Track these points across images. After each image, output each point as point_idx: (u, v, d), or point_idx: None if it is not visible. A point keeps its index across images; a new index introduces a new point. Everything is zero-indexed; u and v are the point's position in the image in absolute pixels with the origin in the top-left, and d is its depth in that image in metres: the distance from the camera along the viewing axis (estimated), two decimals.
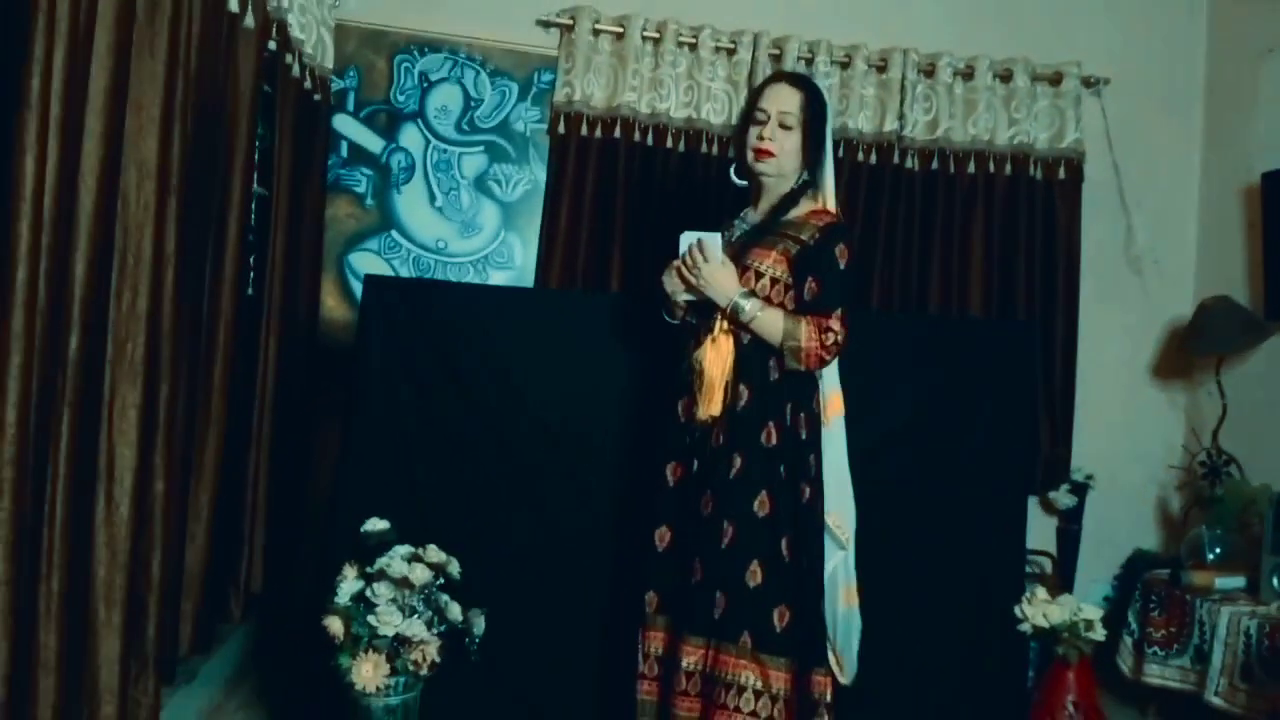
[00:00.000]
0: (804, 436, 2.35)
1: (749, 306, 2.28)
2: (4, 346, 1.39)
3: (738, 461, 2.29)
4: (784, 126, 2.35)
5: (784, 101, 2.36)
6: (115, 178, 1.78)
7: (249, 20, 2.48)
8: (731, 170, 2.51)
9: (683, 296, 2.35)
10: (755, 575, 2.25)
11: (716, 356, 2.30)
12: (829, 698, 2.27)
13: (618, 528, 2.69)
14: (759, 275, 2.32)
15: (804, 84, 2.43)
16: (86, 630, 1.83)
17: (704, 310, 2.35)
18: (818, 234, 2.33)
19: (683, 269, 2.30)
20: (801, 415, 2.34)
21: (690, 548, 2.31)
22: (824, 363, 2.31)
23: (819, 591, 2.38)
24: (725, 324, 2.31)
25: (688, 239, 2.31)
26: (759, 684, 2.23)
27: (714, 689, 2.25)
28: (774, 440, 2.30)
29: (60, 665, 1.71)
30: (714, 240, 2.32)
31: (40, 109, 1.42)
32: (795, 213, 2.39)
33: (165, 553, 2.06)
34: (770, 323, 2.29)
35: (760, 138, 2.36)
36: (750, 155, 2.38)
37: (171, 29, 1.94)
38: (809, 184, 2.42)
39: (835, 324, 2.28)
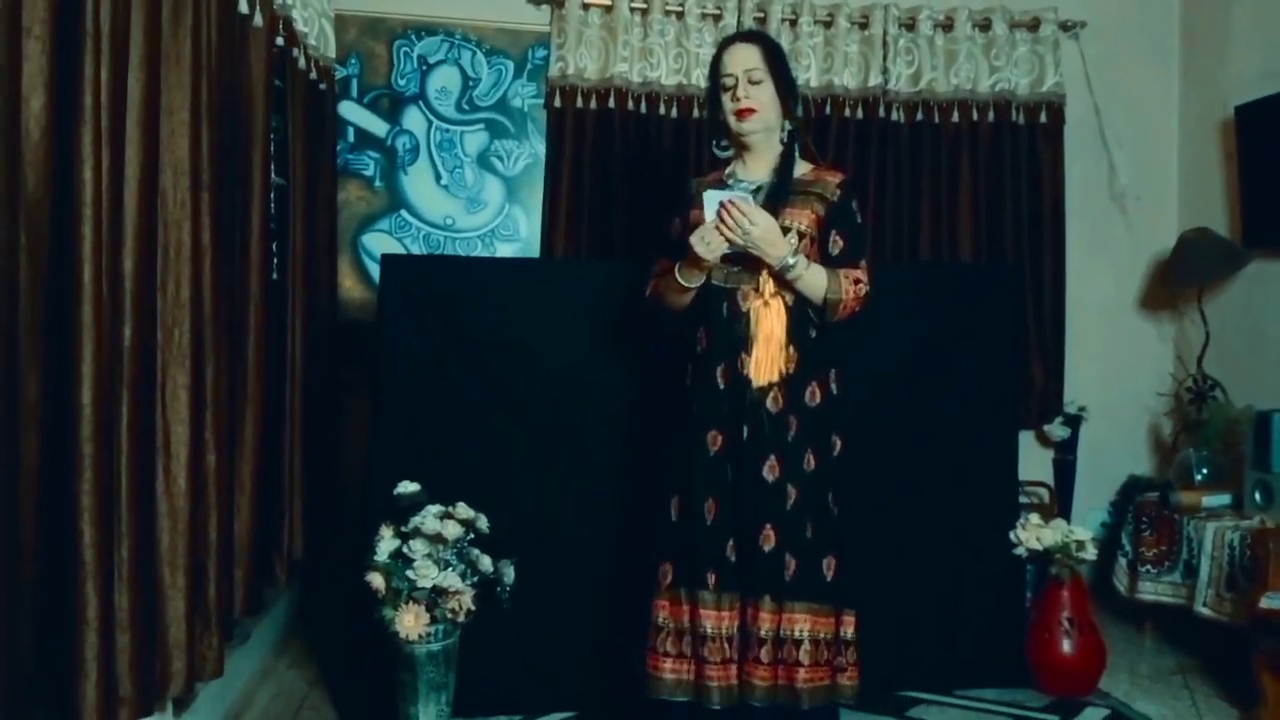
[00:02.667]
0: (835, 392, 2.39)
1: (799, 263, 2.27)
2: (78, 337, 1.56)
3: (794, 424, 2.32)
4: (753, 82, 2.34)
5: (746, 60, 2.37)
6: (155, 178, 1.93)
7: (258, 19, 2.62)
8: (713, 144, 2.51)
9: (719, 254, 2.27)
10: (809, 530, 2.32)
11: (773, 318, 2.30)
12: (854, 635, 2.41)
13: (625, 490, 2.83)
14: (800, 234, 2.32)
15: (758, 38, 2.45)
16: (156, 592, 2.02)
17: (737, 272, 2.33)
18: (838, 190, 2.39)
19: (724, 229, 2.23)
20: (833, 371, 2.40)
21: (748, 516, 2.31)
22: (854, 314, 2.36)
23: (848, 538, 2.43)
24: (774, 284, 2.30)
25: (714, 197, 2.26)
26: (813, 633, 2.32)
27: (780, 649, 2.32)
28: (818, 399, 2.35)
29: (133, 624, 1.89)
30: (748, 198, 2.28)
31: (93, 122, 1.58)
32: (801, 170, 2.43)
33: (220, 520, 2.24)
34: (815, 278, 2.30)
35: (736, 99, 2.35)
36: (733, 120, 2.38)
37: (194, 37, 2.09)
38: (795, 133, 2.44)
39: (863, 275, 2.36)
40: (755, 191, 2.36)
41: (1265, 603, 2.66)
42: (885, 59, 3.90)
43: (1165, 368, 4.09)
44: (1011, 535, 2.96)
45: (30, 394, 1.48)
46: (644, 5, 3.76)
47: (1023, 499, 3.60)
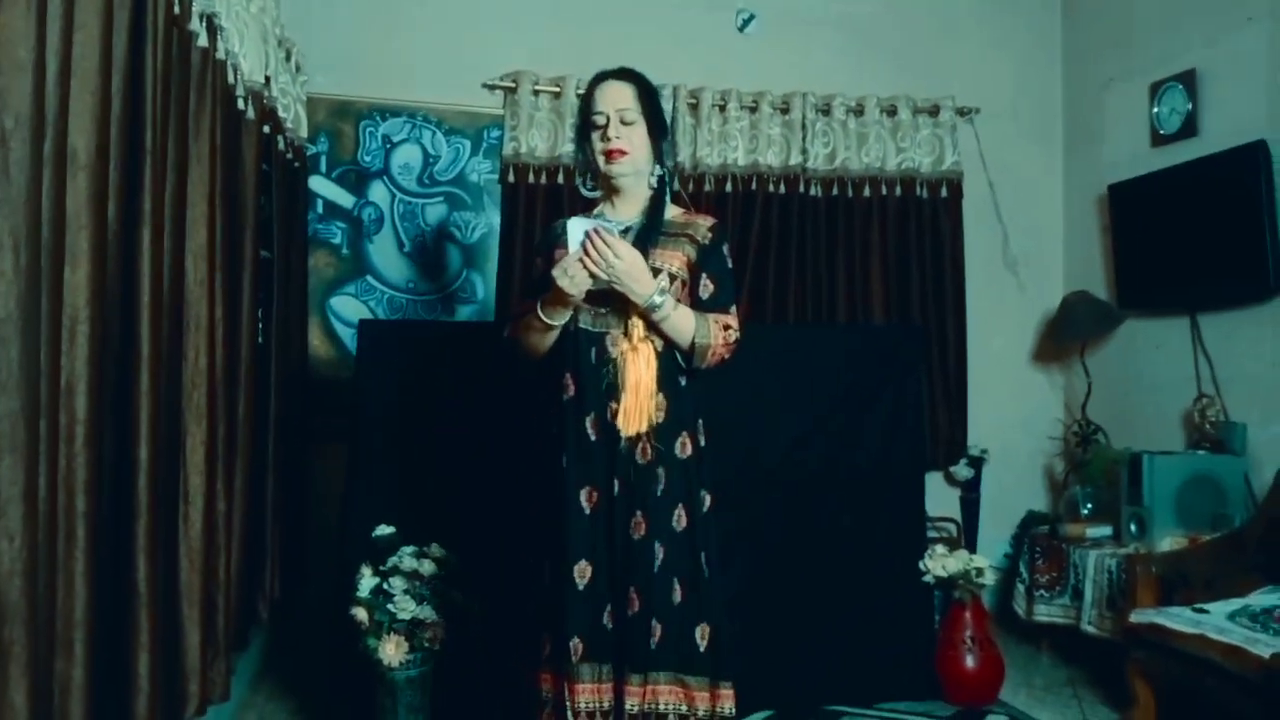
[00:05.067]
0: (703, 444, 2.28)
1: (665, 303, 2.15)
2: (137, 401, 1.87)
3: (662, 477, 2.19)
4: (625, 123, 2.24)
5: (618, 98, 2.26)
6: (182, 263, 2.25)
7: (250, 113, 2.95)
8: (578, 183, 2.41)
9: (584, 288, 2.13)
10: (678, 594, 2.18)
11: (642, 364, 2.17)
12: (731, 710, 2.22)
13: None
14: (671, 276, 2.22)
15: (632, 76, 2.31)
16: (176, 623, 2.30)
17: (605, 314, 2.22)
18: (709, 234, 2.31)
19: (588, 261, 2.09)
20: (700, 421, 2.29)
21: (620, 578, 2.17)
22: (723, 361, 2.25)
23: (724, 603, 2.28)
24: (643, 327, 2.18)
25: (579, 226, 2.13)
26: (684, 709, 2.18)
27: None
28: (688, 451, 2.23)
29: (165, 649, 2.17)
30: (614, 230, 2.15)
31: (152, 224, 1.91)
32: (672, 214, 2.34)
33: (229, 560, 2.53)
34: (682, 321, 2.18)
35: (606, 138, 2.24)
36: (602, 160, 2.26)
37: (210, 138, 2.42)
38: (665, 177, 2.33)
39: (733, 321, 2.26)
40: (624, 232, 2.23)
41: (1134, 618, 3.07)
42: (805, 140, 4.35)
43: (1056, 414, 4.58)
44: (920, 564, 3.36)
45: (109, 453, 1.78)
46: None
47: (933, 533, 4.03)
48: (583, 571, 2.16)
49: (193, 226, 2.34)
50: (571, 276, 2.11)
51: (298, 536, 3.61)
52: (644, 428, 2.17)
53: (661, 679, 2.17)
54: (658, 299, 2.14)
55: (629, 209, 2.33)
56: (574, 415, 2.22)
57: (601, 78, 2.32)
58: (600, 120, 2.26)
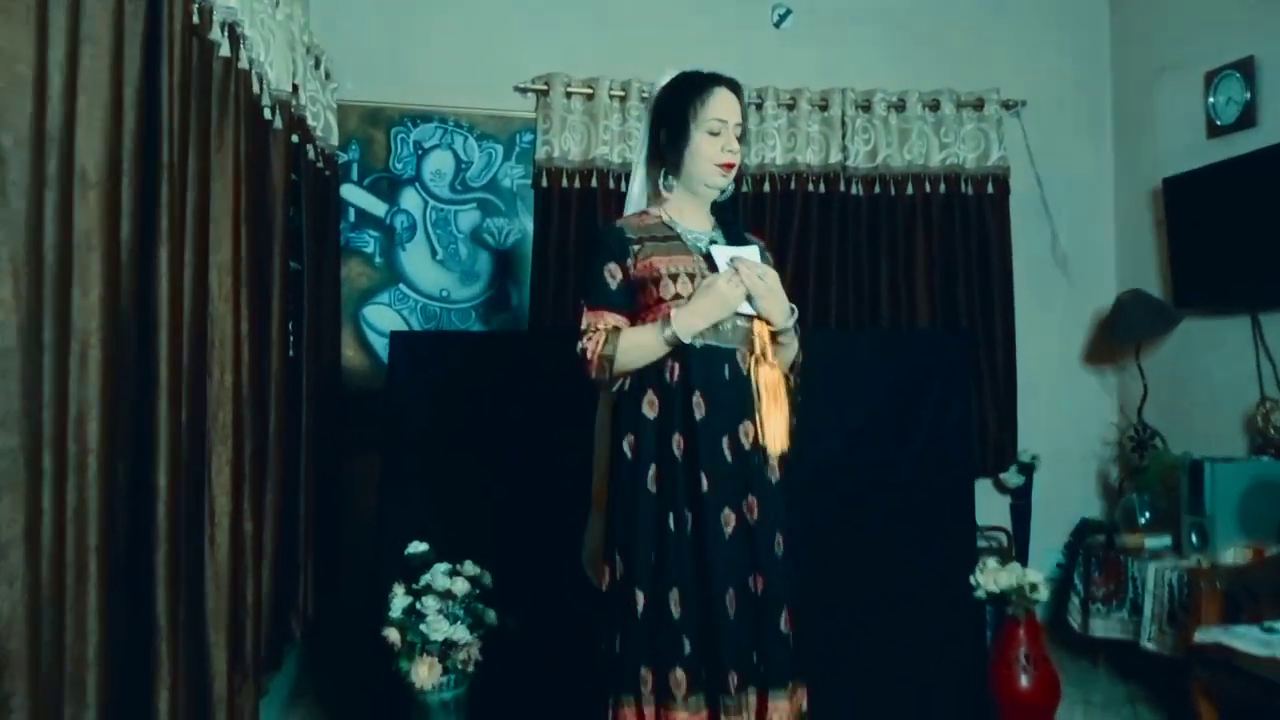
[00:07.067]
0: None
1: (796, 320, 2.20)
2: (156, 426, 1.80)
3: (783, 498, 2.18)
4: (738, 138, 2.21)
5: (735, 110, 2.21)
6: (205, 279, 2.19)
7: (278, 123, 2.89)
8: (661, 180, 2.24)
9: (734, 310, 2.13)
10: (785, 621, 2.16)
11: (778, 380, 2.17)
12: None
13: None
14: None
15: (739, 88, 2.25)
16: (202, 651, 2.24)
17: (730, 330, 2.16)
18: (765, 248, 2.32)
19: (745, 282, 2.11)
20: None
21: (772, 598, 2.12)
22: None
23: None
24: (772, 344, 2.17)
25: (725, 252, 2.17)
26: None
27: None
28: (779, 473, 2.19)
29: (189, 680, 2.11)
30: (755, 253, 2.21)
31: (169, 241, 1.84)
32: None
33: (256, 582, 2.47)
34: (794, 341, 2.23)
35: (723, 149, 2.18)
36: (713, 169, 2.18)
37: (234, 150, 2.36)
38: (737, 190, 2.31)
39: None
40: (710, 244, 2.21)
41: (1199, 637, 2.92)
42: (844, 138, 4.23)
43: (1110, 417, 4.41)
44: (971, 579, 3.23)
45: (121, 482, 1.72)
46: (622, 93, 4.07)
47: (983, 543, 3.89)
48: (732, 600, 2.07)
49: (217, 241, 2.28)
50: (725, 298, 2.11)
51: (332, 551, 3.56)
52: (787, 445, 2.15)
53: (781, 695, 2.11)
54: (795, 317, 2.19)
55: (698, 219, 2.27)
56: (708, 435, 2.12)
57: (716, 81, 2.23)
58: (717, 127, 2.18)
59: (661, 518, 2.12)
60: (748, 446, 2.14)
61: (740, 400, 2.15)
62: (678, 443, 2.13)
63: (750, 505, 2.13)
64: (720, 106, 2.19)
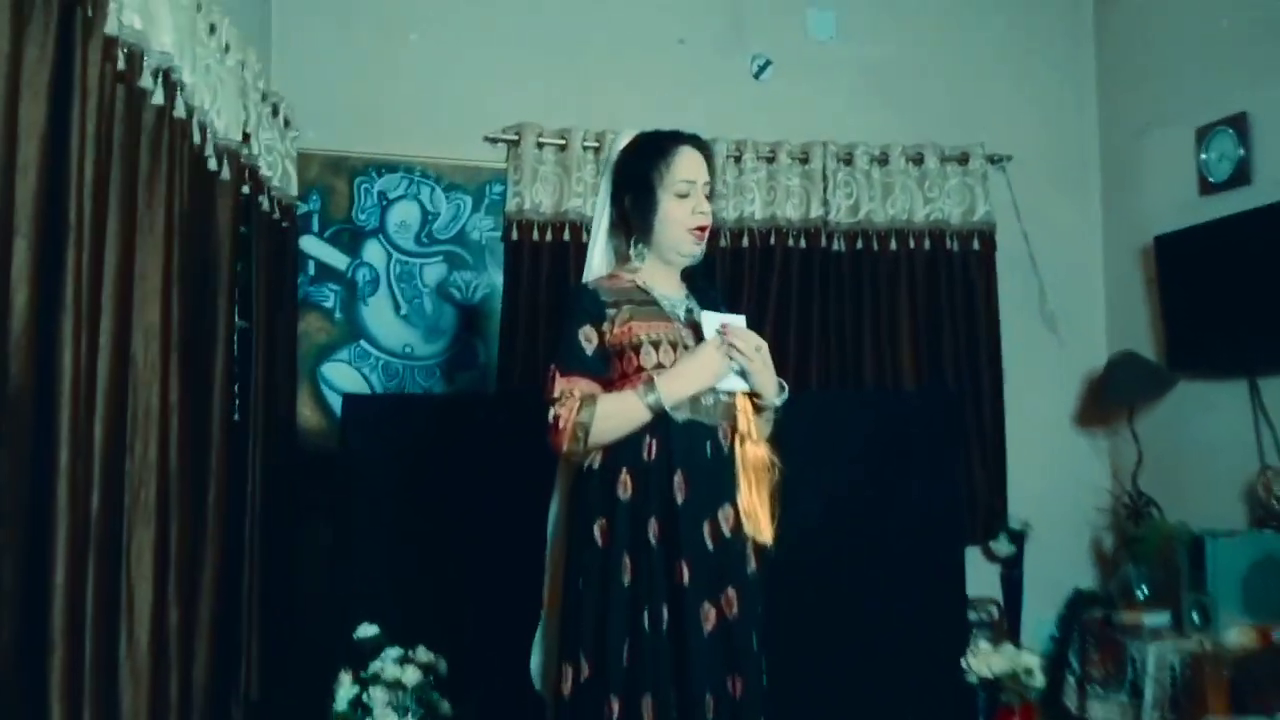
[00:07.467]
0: None
1: (785, 394, 2.07)
2: (53, 521, 1.60)
3: (759, 589, 2.04)
4: (707, 197, 2.09)
5: (702, 169, 2.09)
6: (127, 346, 2.00)
7: (225, 174, 2.72)
8: (632, 249, 2.11)
9: (738, 386, 2.01)
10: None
11: (766, 460, 2.02)
12: None
13: None
14: None
15: (707, 146, 2.15)
16: None
17: (712, 404, 2.01)
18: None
19: (735, 352, 1.98)
20: None
21: (743, 705, 1.95)
22: None
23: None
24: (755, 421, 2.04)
25: (714, 319, 2.03)
26: None
27: None
28: (755, 563, 2.04)
29: None
30: (743, 322, 2.06)
31: (74, 309, 1.65)
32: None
33: (180, 674, 2.24)
34: (774, 417, 2.11)
35: (694, 212, 2.05)
36: (685, 237, 2.06)
37: (166, 204, 2.18)
38: (710, 255, 2.22)
39: None
40: (688, 311, 2.09)
41: None
42: (825, 192, 4.08)
43: (1103, 483, 4.24)
44: (963, 662, 3.04)
45: (7, 580, 1.51)
46: (596, 143, 3.92)
47: (973, 614, 3.70)
48: (710, 705, 1.88)
49: (142, 304, 2.09)
50: (714, 365, 1.98)
51: (282, 627, 3.33)
52: (771, 538, 1.99)
53: None
54: (784, 391, 2.07)
55: (670, 285, 2.13)
56: (689, 520, 1.94)
57: (678, 140, 2.10)
58: (685, 189, 2.06)
59: (636, 614, 1.92)
60: (728, 533, 1.98)
61: (721, 481, 1.99)
62: (653, 528, 1.95)
63: (729, 599, 1.96)
64: (686, 167, 2.07)
